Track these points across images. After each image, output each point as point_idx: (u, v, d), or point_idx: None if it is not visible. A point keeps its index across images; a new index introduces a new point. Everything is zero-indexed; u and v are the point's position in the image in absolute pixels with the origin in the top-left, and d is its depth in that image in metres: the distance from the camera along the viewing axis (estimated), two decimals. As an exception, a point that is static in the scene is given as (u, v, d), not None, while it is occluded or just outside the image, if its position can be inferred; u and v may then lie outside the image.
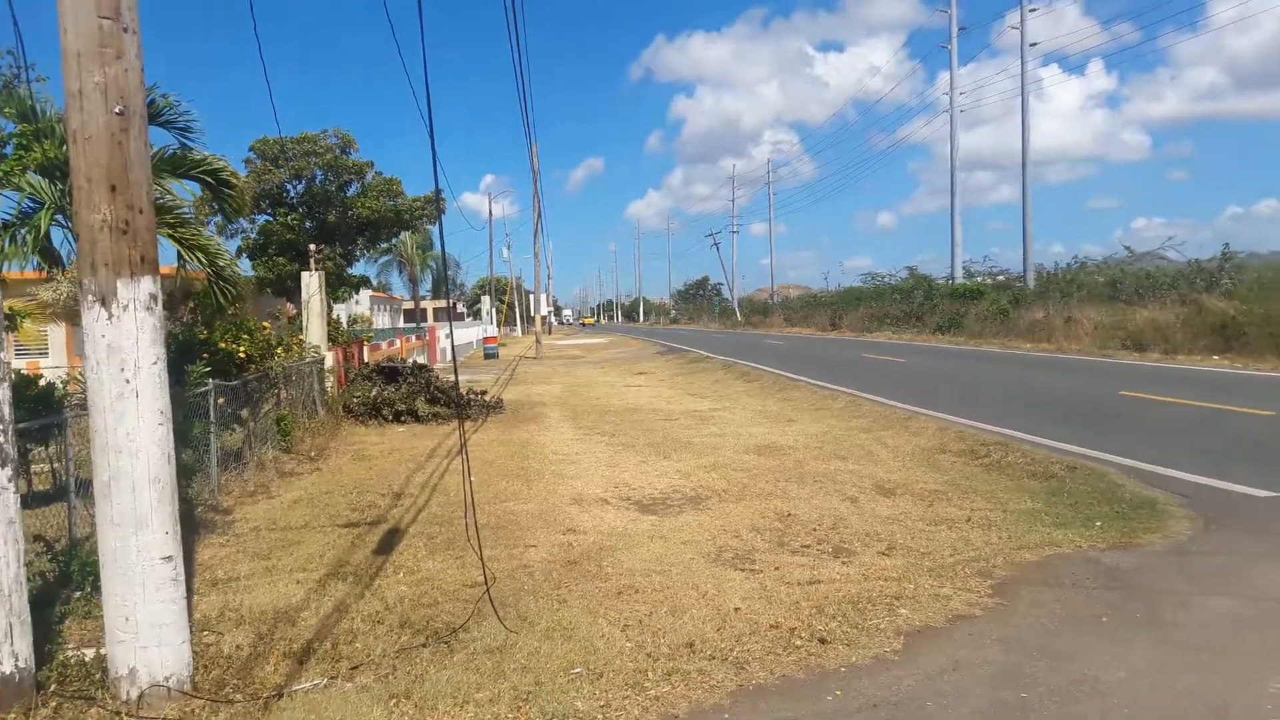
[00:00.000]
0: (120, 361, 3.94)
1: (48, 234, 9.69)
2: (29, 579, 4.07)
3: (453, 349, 6.84)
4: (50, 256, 10.11)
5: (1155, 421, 12.39)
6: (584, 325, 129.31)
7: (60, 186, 9.31)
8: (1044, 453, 9.95)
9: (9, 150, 9.06)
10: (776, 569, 6.25)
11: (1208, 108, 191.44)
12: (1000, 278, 41.97)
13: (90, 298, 3.96)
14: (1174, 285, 27.82)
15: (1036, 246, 38.02)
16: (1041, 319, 30.34)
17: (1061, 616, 5.17)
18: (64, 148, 8.81)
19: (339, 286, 30.63)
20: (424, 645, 4.95)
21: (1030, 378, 19.44)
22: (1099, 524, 7.08)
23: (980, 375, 20.66)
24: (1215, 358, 20.93)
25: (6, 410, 3.84)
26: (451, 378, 17.04)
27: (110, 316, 3.95)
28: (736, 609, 5.43)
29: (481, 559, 5.86)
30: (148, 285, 4.02)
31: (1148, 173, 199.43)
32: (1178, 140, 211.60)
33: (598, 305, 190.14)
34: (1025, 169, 38.38)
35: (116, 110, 3.96)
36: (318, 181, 31.62)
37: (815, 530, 7.30)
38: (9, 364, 3.97)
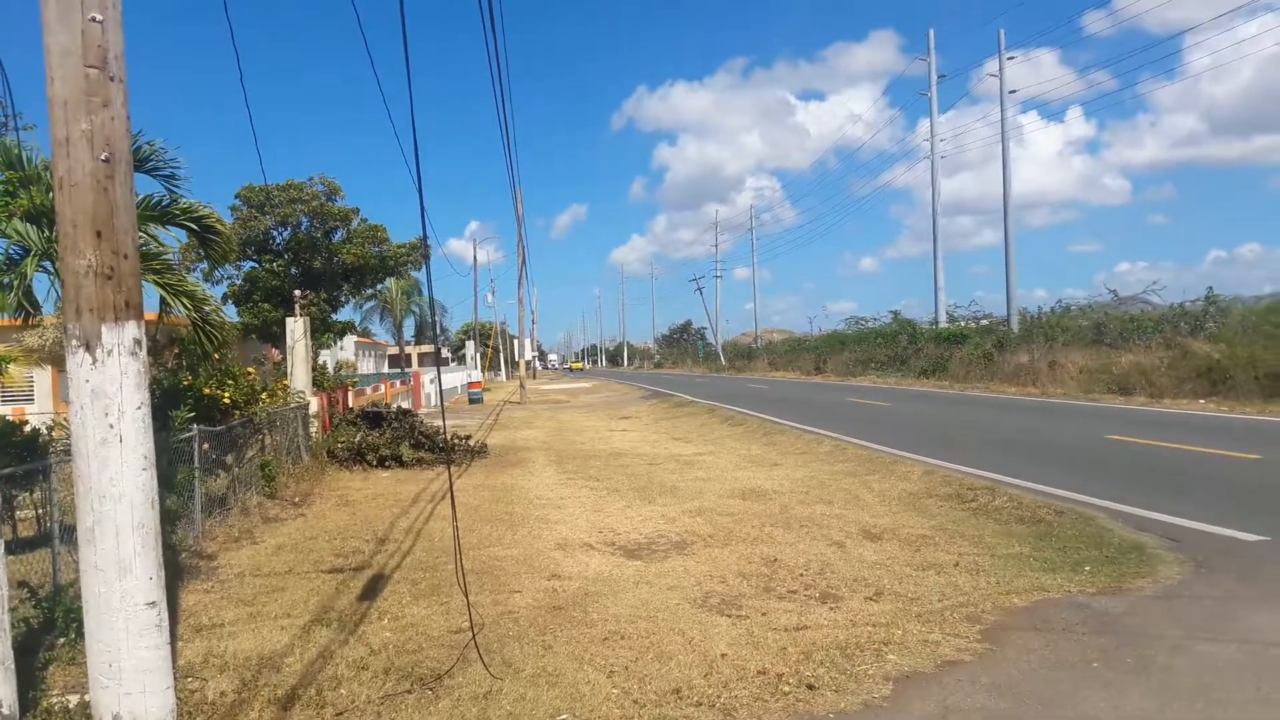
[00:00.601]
0: (104, 406, 3.92)
1: (31, 280, 9.66)
2: (13, 625, 4.01)
3: (440, 394, 6.82)
4: (31, 303, 10.07)
5: (1142, 465, 12.44)
6: (571, 370, 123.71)
7: (46, 233, 9.31)
8: (1031, 497, 9.96)
9: None
10: (763, 614, 6.22)
11: (1187, 153, 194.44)
12: (984, 322, 42.28)
13: (75, 342, 3.95)
14: (1158, 329, 28.07)
15: (1020, 291, 38.50)
16: (1026, 363, 30.51)
17: (1052, 662, 5.16)
18: (50, 195, 8.85)
19: (324, 332, 30.59)
20: (409, 692, 4.89)
21: (1016, 421, 19.52)
22: (1088, 568, 7.08)
23: (965, 419, 20.74)
24: (1201, 401, 21.07)
25: (-11, 455, 3.81)
26: (435, 423, 16.99)
27: (95, 361, 3.94)
28: (723, 655, 5.39)
29: (469, 605, 5.81)
30: (132, 330, 4.02)
31: (1129, 217, 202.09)
32: (1158, 185, 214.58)
33: (582, 349, 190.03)
34: (1007, 214, 38.86)
35: (102, 157, 3.99)
36: (304, 228, 31.73)
37: (802, 575, 7.27)
38: (-8, 409, 3.94)
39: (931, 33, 45.00)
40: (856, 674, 5.02)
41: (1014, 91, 39.82)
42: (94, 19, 3.94)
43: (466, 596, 5.86)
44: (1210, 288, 28.43)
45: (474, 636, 5.53)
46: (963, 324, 42.72)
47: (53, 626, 5.61)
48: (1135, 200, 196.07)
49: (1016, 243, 38.71)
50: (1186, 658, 5.14)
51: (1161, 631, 5.60)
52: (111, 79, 4.01)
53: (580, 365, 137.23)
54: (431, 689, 4.92)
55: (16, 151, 9.44)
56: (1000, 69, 38.98)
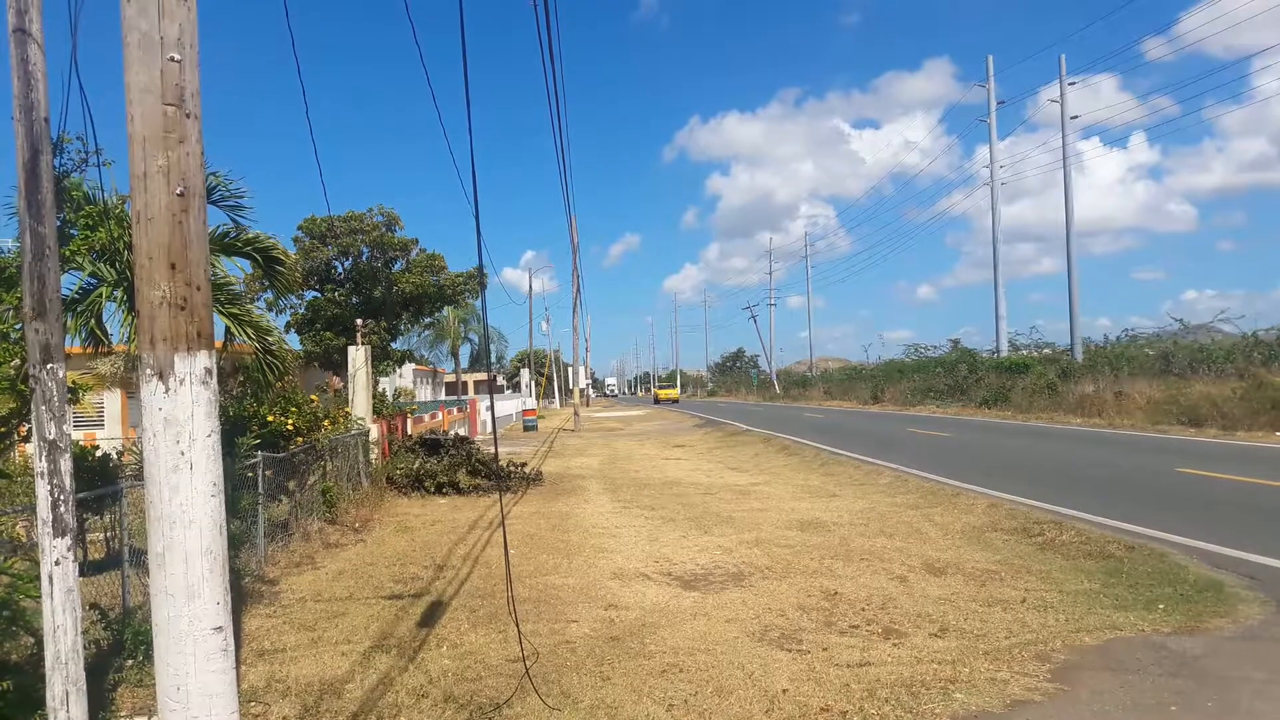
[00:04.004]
0: (176, 434, 3.99)
1: (102, 310, 9.96)
2: (84, 647, 4.09)
3: (494, 424, 6.81)
4: (102, 331, 10.35)
5: (1216, 500, 12.01)
6: (658, 401, 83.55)
7: (116, 266, 9.59)
8: (1100, 532, 9.68)
9: (74, 232, 9.39)
10: (824, 650, 6.10)
11: (1257, 178, 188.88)
12: (1046, 351, 41.40)
13: (149, 371, 4.03)
14: (1230, 359, 27.23)
15: (1082, 319, 37.43)
16: (1091, 393, 29.76)
17: (1126, 704, 4.97)
18: (123, 229, 9.13)
19: (383, 360, 31.10)
20: (467, 722, 4.88)
21: (1082, 453, 19.02)
22: (1162, 607, 6.83)
23: (1029, 450, 20.27)
24: (1277, 434, 20.34)
25: (68, 481, 3.91)
26: (492, 449, 17.10)
27: (167, 390, 4.01)
28: (784, 690, 5.29)
29: (520, 636, 5.79)
30: (204, 360, 4.09)
31: (1196, 243, 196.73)
32: (1226, 210, 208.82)
33: (635, 377, 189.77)
34: (1070, 241, 38.13)
35: (178, 191, 4.08)
36: (364, 258, 32.39)
37: (864, 610, 7.13)
38: (70, 436, 4.05)
39: (990, 59, 44.65)
40: (923, 713, 4.89)
41: (1075, 117, 39.27)
42: (173, 58, 4.06)
43: (519, 628, 5.85)
44: (1287, 317, 27.50)
45: (526, 670, 5.51)
46: (1024, 353, 41.90)
47: (121, 648, 5.72)
48: (1202, 226, 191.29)
49: (1078, 270, 37.83)
50: (1273, 703, 4.92)
51: (1244, 674, 5.37)
52: (188, 116, 4.12)
53: (675, 394, 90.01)
54: (490, 719, 4.90)
55: (83, 191, 9.75)
56: (1062, 94, 38.46)
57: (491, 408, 6.69)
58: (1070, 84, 39.01)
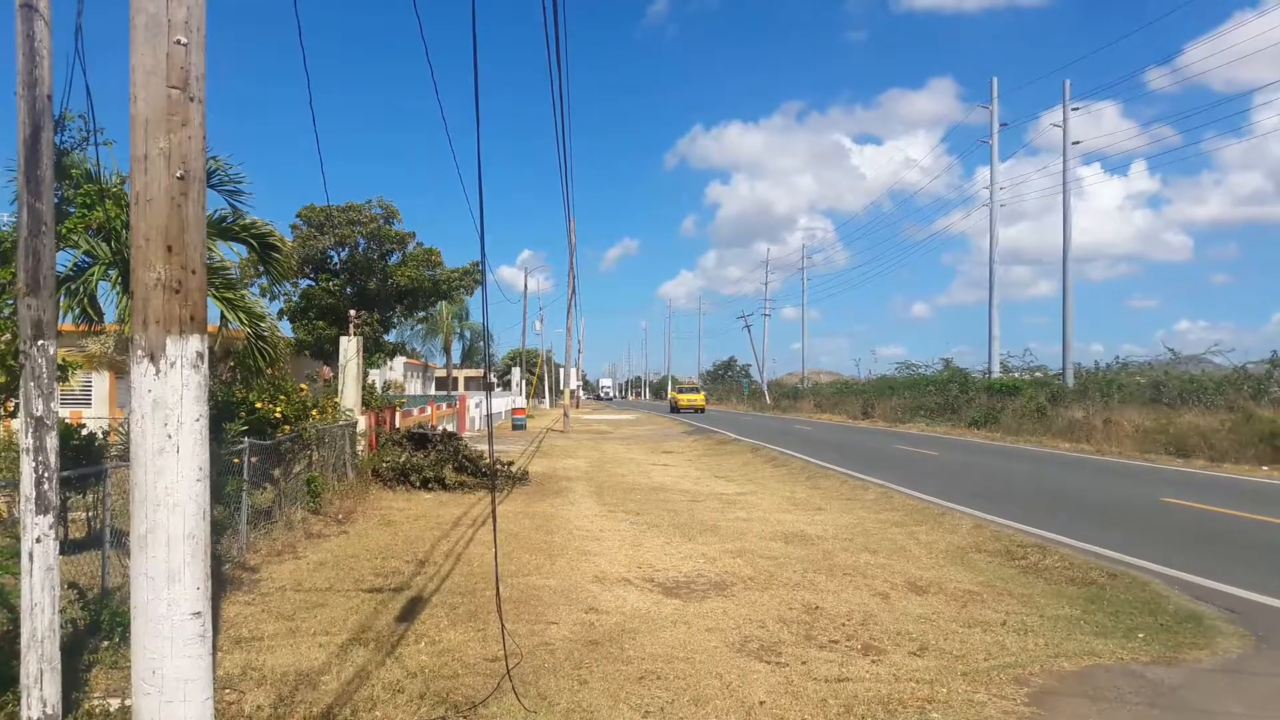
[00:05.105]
0: (164, 417, 3.97)
1: (95, 289, 9.93)
2: (61, 626, 4.07)
3: (490, 423, 6.81)
4: (95, 309, 10.32)
5: (1200, 531, 12.05)
6: (678, 409, 63.99)
7: (111, 246, 9.56)
8: (1083, 557, 9.70)
9: (72, 209, 9.36)
10: (803, 663, 6.10)
11: (1252, 212, 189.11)
12: (1038, 374, 41.49)
13: (140, 353, 4.01)
14: (1220, 391, 27.35)
15: (1075, 345, 37.51)
16: (1081, 419, 29.84)
17: (1102, 731, 4.98)
18: (122, 209, 9.10)
19: (375, 352, 31.00)
20: (443, 718, 4.86)
21: (1068, 478, 19.08)
22: (1141, 635, 6.85)
23: (1017, 473, 20.33)
24: (1264, 468, 20.42)
25: (53, 459, 3.89)
26: (479, 447, 17.07)
27: (158, 372, 3.99)
28: (761, 703, 5.29)
29: (504, 635, 5.78)
30: (195, 344, 4.08)
31: (1190, 274, 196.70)
32: (1222, 243, 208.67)
33: (626, 381, 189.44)
34: (1066, 266, 38.24)
35: (178, 175, 4.07)
36: (360, 249, 32.30)
37: (844, 625, 7.13)
38: (56, 413, 4.03)
39: (995, 81, 44.95)
40: (898, 731, 4.89)
41: (1077, 143, 39.42)
42: (179, 41, 4.05)
43: (504, 630, 5.83)
44: (1276, 351, 27.57)
45: (508, 671, 5.49)
46: (1016, 375, 42.00)
47: (98, 629, 5.69)
48: (1197, 257, 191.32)
49: (1073, 296, 37.95)
50: (1246, 737, 4.94)
51: (1222, 707, 5.39)
52: (191, 99, 4.10)
53: (699, 400, 67.02)
54: (466, 717, 4.89)
55: (86, 168, 9.73)
56: (1065, 119, 38.60)
57: (489, 409, 6.69)
58: (1073, 109, 39.20)
